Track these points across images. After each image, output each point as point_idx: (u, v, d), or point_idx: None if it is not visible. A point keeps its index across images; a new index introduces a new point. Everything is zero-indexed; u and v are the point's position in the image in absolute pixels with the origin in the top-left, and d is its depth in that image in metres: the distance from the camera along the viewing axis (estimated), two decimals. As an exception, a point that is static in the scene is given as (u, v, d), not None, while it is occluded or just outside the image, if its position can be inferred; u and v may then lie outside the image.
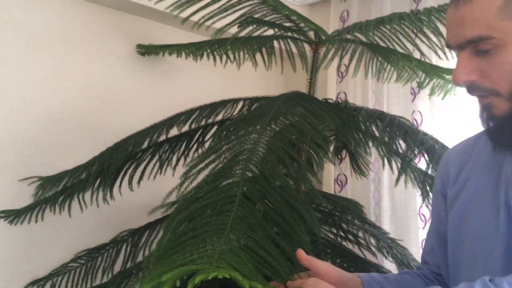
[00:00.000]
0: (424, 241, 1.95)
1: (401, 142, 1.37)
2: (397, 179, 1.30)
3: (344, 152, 1.88)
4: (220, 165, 1.07)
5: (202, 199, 0.99)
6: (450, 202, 0.89)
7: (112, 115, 1.95)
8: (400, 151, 1.36)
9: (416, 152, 1.31)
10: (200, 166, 1.09)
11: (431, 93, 1.84)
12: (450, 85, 1.83)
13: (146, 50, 1.99)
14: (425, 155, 1.33)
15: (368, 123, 1.36)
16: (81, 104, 1.86)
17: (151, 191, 1.98)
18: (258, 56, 1.59)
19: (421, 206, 1.96)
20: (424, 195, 1.37)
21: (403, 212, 2.04)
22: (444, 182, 0.92)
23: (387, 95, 2.14)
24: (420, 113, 2.01)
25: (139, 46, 1.99)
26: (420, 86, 1.74)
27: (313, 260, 0.87)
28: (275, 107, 1.25)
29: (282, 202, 0.99)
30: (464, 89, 1.90)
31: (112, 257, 1.61)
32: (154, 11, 1.97)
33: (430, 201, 1.37)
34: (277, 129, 1.17)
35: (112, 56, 1.95)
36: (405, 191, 2.00)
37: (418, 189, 1.93)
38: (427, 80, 1.73)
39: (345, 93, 2.27)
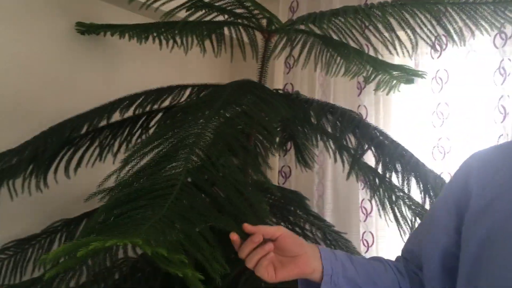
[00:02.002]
0: (364, 233, 1.99)
1: (351, 136, 1.37)
2: (348, 174, 1.30)
3: (289, 143, 1.87)
4: (165, 150, 1.02)
5: (142, 182, 0.94)
6: (469, 221, 0.76)
7: (46, 97, 1.81)
8: (350, 146, 1.36)
9: (365, 147, 1.31)
10: (144, 150, 1.03)
11: (377, 88, 1.86)
12: (395, 81, 1.86)
13: (86, 29, 1.87)
14: (374, 150, 1.33)
15: (319, 116, 1.35)
16: (12, 84, 1.71)
17: (88, 180, 1.86)
18: (206, 42, 1.54)
19: (363, 200, 2.00)
20: (371, 191, 1.38)
21: (345, 205, 2.07)
22: (461, 194, 0.80)
23: (334, 88, 2.15)
24: (365, 107, 2.03)
25: (79, 24, 1.86)
26: (367, 80, 1.76)
27: (262, 226, 0.79)
28: (226, 94, 1.21)
29: (231, 188, 0.96)
30: (407, 86, 1.93)
31: (44, 248, 1.50)
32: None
33: (376, 197, 1.38)
34: (227, 115, 1.13)
35: (48, 32, 1.81)
36: (348, 184, 2.02)
37: (361, 183, 1.97)
38: (373, 75, 1.75)
39: (292, 84, 2.25)
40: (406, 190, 1.38)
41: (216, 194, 0.97)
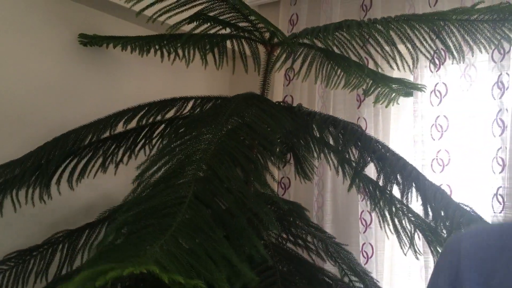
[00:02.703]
0: (364, 245, 2.00)
1: (353, 148, 1.38)
2: (350, 187, 1.31)
3: (289, 155, 1.88)
4: (173, 166, 1.03)
5: (150, 200, 0.94)
6: None
7: (50, 108, 1.82)
8: (352, 158, 1.37)
9: (368, 160, 1.33)
10: (153, 169, 1.04)
11: (376, 101, 1.89)
12: (394, 94, 1.89)
13: (89, 41, 1.88)
14: (376, 162, 1.34)
15: (322, 129, 1.36)
16: (15, 94, 1.72)
17: (90, 191, 1.88)
18: (208, 55, 1.56)
19: (363, 211, 2.01)
20: (372, 203, 1.39)
21: (345, 217, 2.08)
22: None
23: (333, 100, 2.17)
24: (365, 120, 2.05)
25: (82, 36, 1.87)
26: (366, 93, 1.78)
27: None
28: (232, 108, 1.22)
29: (237, 204, 0.97)
30: (406, 99, 1.96)
31: (46, 260, 1.50)
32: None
33: (377, 209, 1.39)
34: (233, 129, 1.14)
35: (51, 44, 1.82)
36: (347, 196, 2.03)
37: (361, 195, 1.98)
38: (373, 88, 1.77)
39: (292, 96, 2.27)
40: (406, 202, 1.39)
41: (222, 210, 0.97)
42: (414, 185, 1.35)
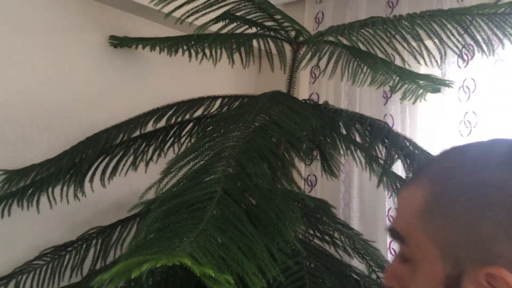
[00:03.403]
0: (391, 242, 1.99)
1: (380, 146, 1.39)
2: (378, 184, 1.32)
3: (315, 152, 1.89)
4: (202, 162, 1.05)
5: (181, 195, 0.97)
6: None
7: (81, 108, 1.87)
8: (379, 155, 1.38)
9: (395, 157, 1.33)
10: (182, 162, 1.07)
11: (403, 98, 1.88)
12: (421, 91, 1.88)
13: (119, 42, 1.93)
14: (404, 159, 1.35)
15: (348, 126, 1.37)
16: (48, 96, 1.78)
17: (120, 189, 1.93)
18: (235, 54, 1.58)
19: (390, 208, 2.00)
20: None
21: (372, 214, 2.07)
22: None
23: (359, 98, 2.16)
24: (392, 116, 2.04)
25: (113, 38, 1.93)
26: (393, 90, 1.77)
27: None
28: (259, 106, 1.24)
29: (265, 199, 0.99)
30: (434, 95, 1.93)
31: (81, 255, 1.55)
32: (127, 2, 1.91)
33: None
34: (260, 127, 1.16)
35: (83, 46, 1.88)
36: (374, 193, 2.03)
37: (388, 192, 1.98)
38: (400, 85, 1.76)
39: (317, 94, 2.28)
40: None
41: (250, 205, 1.00)
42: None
